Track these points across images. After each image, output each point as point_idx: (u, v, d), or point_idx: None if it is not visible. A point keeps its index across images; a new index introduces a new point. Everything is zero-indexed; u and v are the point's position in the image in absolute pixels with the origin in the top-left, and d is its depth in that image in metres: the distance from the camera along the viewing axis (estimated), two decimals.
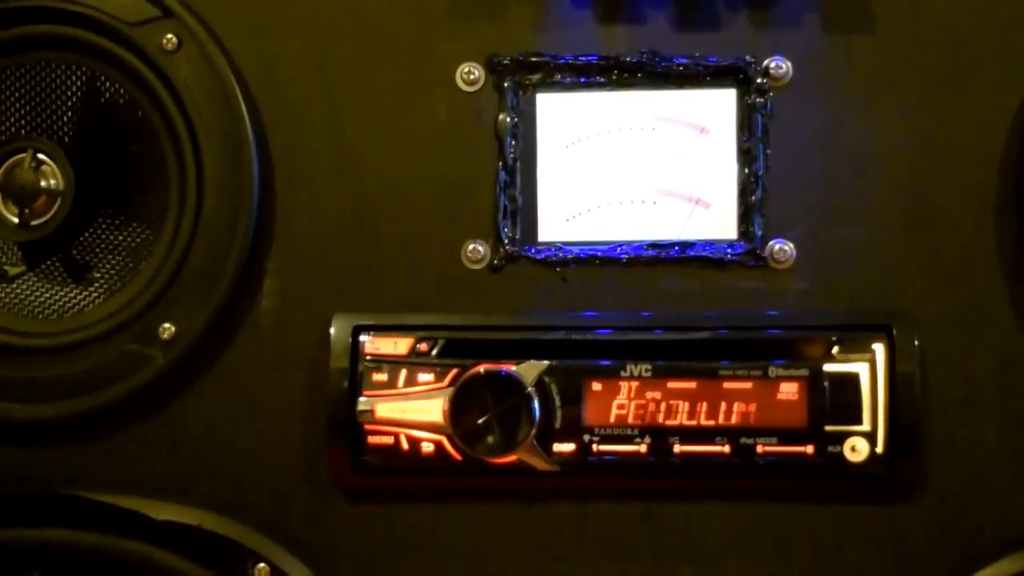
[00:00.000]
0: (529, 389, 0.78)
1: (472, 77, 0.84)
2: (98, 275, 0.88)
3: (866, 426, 0.78)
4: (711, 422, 0.79)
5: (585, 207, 0.84)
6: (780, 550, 0.81)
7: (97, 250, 0.88)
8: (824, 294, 0.82)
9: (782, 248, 0.82)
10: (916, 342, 0.79)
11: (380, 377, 0.82)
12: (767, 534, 0.81)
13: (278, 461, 0.84)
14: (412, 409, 0.80)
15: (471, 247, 0.84)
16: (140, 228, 0.87)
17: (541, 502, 0.83)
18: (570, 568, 0.83)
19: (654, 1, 0.83)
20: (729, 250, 0.83)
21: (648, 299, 0.83)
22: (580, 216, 0.84)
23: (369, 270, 0.84)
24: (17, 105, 0.87)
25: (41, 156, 0.85)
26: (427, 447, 0.81)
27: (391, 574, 0.84)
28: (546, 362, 0.80)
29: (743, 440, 0.79)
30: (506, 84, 0.84)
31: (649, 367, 0.80)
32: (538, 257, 0.84)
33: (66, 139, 0.87)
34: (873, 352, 0.79)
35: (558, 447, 0.80)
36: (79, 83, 0.87)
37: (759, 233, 0.82)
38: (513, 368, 0.79)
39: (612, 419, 0.80)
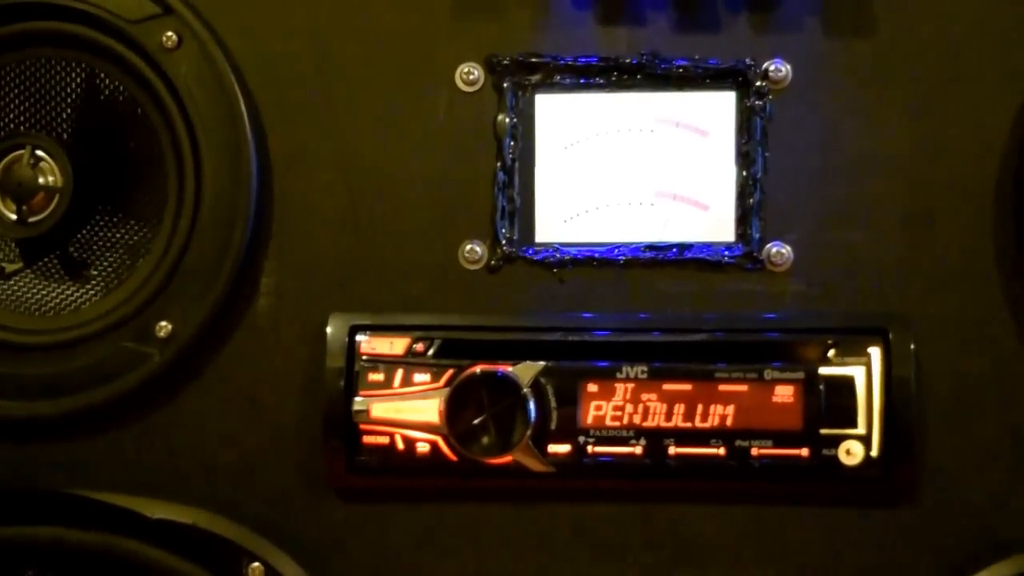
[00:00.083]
0: (525, 390, 0.78)
1: (471, 77, 0.84)
2: (95, 272, 0.88)
3: (861, 429, 0.78)
4: (706, 424, 0.79)
5: (583, 208, 0.84)
6: (775, 553, 0.81)
7: (95, 247, 0.88)
8: (821, 297, 0.82)
9: (779, 251, 0.82)
10: (912, 345, 0.79)
11: (376, 377, 0.81)
12: (762, 537, 0.81)
13: (273, 460, 0.84)
14: (408, 409, 0.80)
15: (468, 247, 0.84)
16: (138, 225, 0.87)
17: (536, 503, 0.83)
18: (565, 569, 0.82)
19: (655, 3, 0.83)
20: (726, 252, 0.83)
21: (645, 301, 0.83)
22: (578, 217, 0.84)
23: (366, 270, 0.84)
24: (16, 101, 0.87)
25: (39, 153, 0.85)
26: (423, 447, 0.81)
27: (386, 574, 0.84)
28: (542, 363, 0.80)
29: (738, 442, 0.79)
30: (505, 85, 0.84)
31: (645, 369, 0.80)
32: (535, 258, 0.84)
33: (65, 136, 0.87)
34: (869, 355, 0.79)
35: (553, 448, 0.80)
36: (78, 80, 0.86)
37: (757, 236, 0.82)
38: (509, 369, 0.79)
39: (608, 421, 0.80)
